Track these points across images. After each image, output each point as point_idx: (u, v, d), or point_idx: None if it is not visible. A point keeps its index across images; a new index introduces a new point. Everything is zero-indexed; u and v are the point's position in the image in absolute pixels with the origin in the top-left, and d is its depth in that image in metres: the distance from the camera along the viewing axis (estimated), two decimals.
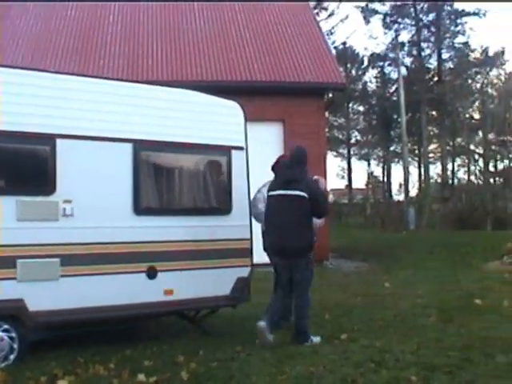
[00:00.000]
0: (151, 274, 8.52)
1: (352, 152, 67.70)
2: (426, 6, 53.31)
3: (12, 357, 7.58)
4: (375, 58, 58.79)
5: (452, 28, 53.94)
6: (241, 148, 9.52)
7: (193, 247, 8.85)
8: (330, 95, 25.26)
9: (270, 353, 8.00)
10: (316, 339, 8.63)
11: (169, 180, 9.12)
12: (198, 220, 9.00)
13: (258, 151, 17.71)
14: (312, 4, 38.68)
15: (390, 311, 10.99)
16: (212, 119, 9.24)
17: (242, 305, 9.72)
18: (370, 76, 65.28)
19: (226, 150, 9.35)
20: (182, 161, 9.11)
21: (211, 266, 8.99)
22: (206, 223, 9.03)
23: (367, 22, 55.66)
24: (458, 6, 53.05)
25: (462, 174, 61.58)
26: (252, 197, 9.61)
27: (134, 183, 8.50)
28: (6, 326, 7.57)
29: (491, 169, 57.34)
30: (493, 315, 10.24)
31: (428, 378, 6.70)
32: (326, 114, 50.66)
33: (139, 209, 8.52)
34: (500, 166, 61.06)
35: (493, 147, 57.17)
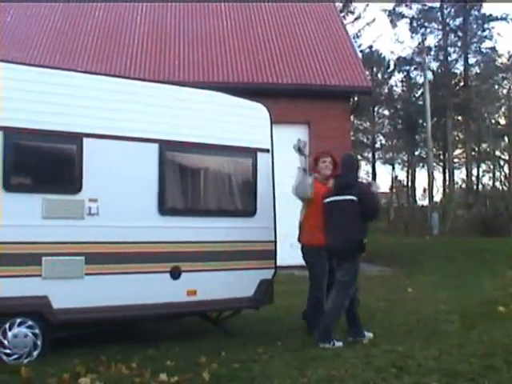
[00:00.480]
0: (175, 274, 8.55)
1: (377, 156, 67.49)
2: (453, 10, 53.07)
3: (35, 353, 7.67)
4: (401, 62, 58.56)
5: (479, 33, 53.66)
6: (266, 150, 9.56)
7: (217, 248, 8.88)
8: (356, 99, 25.22)
9: (293, 355, 8.01)
10: (338, 343, 8.62)
11: (194, 181, 9.16)
12: (222, 221, 9.03)
13: (283, 153, 17.77)
14: (339, 7, 38.64)
15: (412, 316, 10.95)
16: (238, 121, 9.27)
17: (265, 307, 9.73)
18: (396, 80, 65.19)
19: (251, 152, 9.39)
20: (208, 162, 9.14)
21: (235, 268, 9.02)
22: (230, 224, 9.06)
23: (394, 25, 55.53)
24: (485, 10, 52.91)
25: (486, 179, 61.20)
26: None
27: (160, 183, 8.54)
28: (30, 323, 7.65)
29: None
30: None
31: None
32: (352, 117, 50.75)
33: (164, 209, 8.56)
34: None
35: None
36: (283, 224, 17.59)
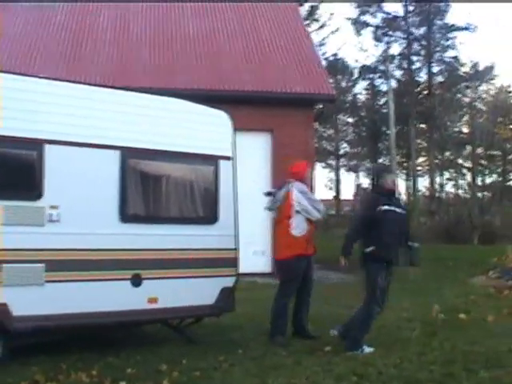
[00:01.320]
0: (136, 281, 8.53)
1: (341, 163, 67.86)
2: (417, 19, 53.59)
3: None
4: (365, 70, 58.91)
5: (442, 42, 54.24)
6: (228, 158, 9.55)
7: (178, 256, 8.86)
8: (320, 106, 25.29)
9: (253, 363, 8.04)
10: (369, 349, 8.77)
11: (156, 188, 9.14)
12: (184, 229, 9.01)
13: (245, 161, 17.78)
14: (303, 15, 38.77)
15: (374, 323, 10.99)
16: (200, 128, 9.26)
17: (226, 314, 9.74)
18: (360, 88, 65.39)
19: (213, 160, 9.39)
20: (169, 169, 9.14)
21: (196, 275, 9.01)
22: (192, 232, 9.05)
23: (358, 34, 55.90)
24: (448, 20, 53.41)
25: (449, 187, 61.79)
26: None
27: (121, 190, 8.52)
28: None
29: (479, 183, 57.64)
30: (477, 330, 10.28)
31: None
32: (315, 124, 50.88)
33: (125, 216, 8.54)
34: (488, 181, 61.44)
35: (481, 161, 57.48)
36: (246, 231, 17.60)
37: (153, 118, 8.89)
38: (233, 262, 9.44)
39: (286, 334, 9.57)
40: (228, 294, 9.36)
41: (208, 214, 9.37)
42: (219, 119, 9.60)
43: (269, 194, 10.14)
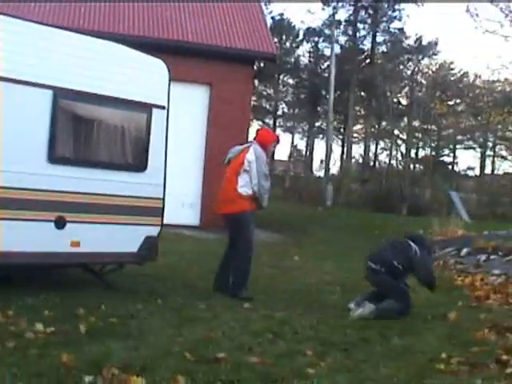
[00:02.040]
0: (60, 223, 8.41)
1: (278, 123, 67.91)
2: None
3: None
4: (311, 33, 58.90)
5: (389, 13, 54.46)
6: (162, 107, 9.42)
7: (104, 201, 8.74)
8: (261, 64, 25.19)
9: (172, 314, 8.02)
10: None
11: (86, 131, 8.93)
12: (112, 174, 8.86)
13: (182, 112, 17.69)
14: None
15: (295, 285, 11.12)
16: (135, 75, 9.08)
17: (149, 264, 9.70)
18: (304, 50, 65.36)
19: (146, 107, 9.22)
20: (102, 113, 8.95)
21: (121, 222, 8.92)
22: (119, 178, 8.91)
23: None
24: None
25: (384, 157, 62.45)
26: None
27: (51, 131, 8.31)
28: None
29: (412, 155, 58.34)
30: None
31: (323, 353, 6.78)
32: (256, 82, 50.73)
33: (54, 157, 8.35)
34: (421, 154, 62.26)
35: (416, 134, 58.12)
36: (177, 183, 17.62)
37: (88, 61, 8.63)
38: (158, 212, 9.36)
39: (247, 290, 9.71)
40: (151, 244, 9.29)
41: (137, 162, 9.23)
42: (156, 68, 9.43)
43: None
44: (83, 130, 8.92)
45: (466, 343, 7.60)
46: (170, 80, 9.55)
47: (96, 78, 8.69)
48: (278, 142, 10.56)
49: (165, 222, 9.58)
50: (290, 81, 65.68)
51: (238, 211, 9.65)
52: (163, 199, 9.41)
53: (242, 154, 9.75)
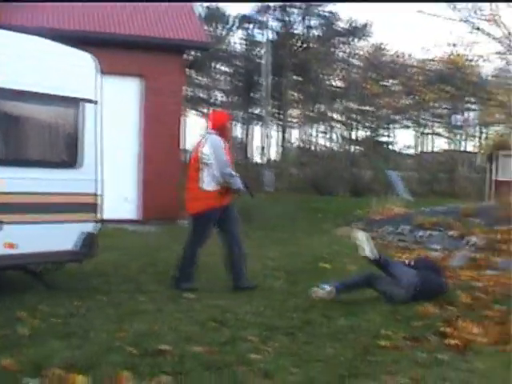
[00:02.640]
0: None
1: None
2: None
3: None
4: (243, 20, 58.82)
5: None
6: (92, 101, 9.27)
7: (37, 200, 8.55)
8: (195, 53, 25.06)
9: (114, 310, 7.95)
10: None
11: (14, 130, 8.72)
12: (43, 172, 8.66)
13: (114, 106, 17.49)
14: None
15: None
16: (62, 69, 8.84)
17: (90, 261, 9.61)
18: (237, 37, 65.28)
19: (75, 102, 9.02)
20: (28, 110, 8.75)
21: (56, 220, 8.75)
22: (51, 176, 8.70)
23: None
24: None
25: (322, 140, 62.83)
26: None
27: None
28: None
29: (350, 137, 58.83)
30: (338, 278, 10.50)
31: (268, 338, 6.82)
32: (190, 72, 50.50)
33: None
34: (359, 135, 62.83)
35: (353, 116, 58.62)
36: (113, 178, 17.41)
37: (12, 57, 8.43)
38: (94, 208, 9.22)
39: (193, 282, 9.58)
40: (90, 240, 9.14)
41: (69, 158, 9.03)
42: (83, 61, 9.25)
43: None
44: (10, 128, 8.69)
45: (408, 318, 7.78)
46: (99, 73, 9.40)
47: (21, 74, 8.45)
48: (227, 117, 10.30)
49: (106, 217, 9.46)
50: (225, 69, 65.56)
51: (204, 210, 9.52)
52: (100, 195, 9.26)
53: (197, 149, 9.63)
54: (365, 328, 7.31)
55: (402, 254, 13.48)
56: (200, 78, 63.79)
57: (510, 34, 28.40)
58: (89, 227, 9.12)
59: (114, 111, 17.81)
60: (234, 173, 9.54)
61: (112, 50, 17.61)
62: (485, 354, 6.40)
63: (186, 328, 7.15)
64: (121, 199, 18.33)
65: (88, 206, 9.11)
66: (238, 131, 69.36)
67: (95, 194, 9.18)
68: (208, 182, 9.44)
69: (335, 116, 59.16)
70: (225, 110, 10.64)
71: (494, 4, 20.34)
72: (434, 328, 7.29)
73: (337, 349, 6.43)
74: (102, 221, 9.38)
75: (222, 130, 9.70)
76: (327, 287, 8.83)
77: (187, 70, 30.57)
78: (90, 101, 9.18)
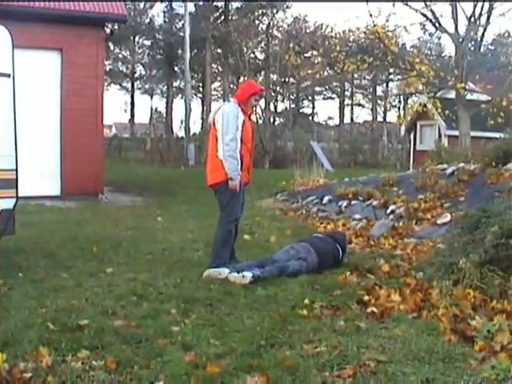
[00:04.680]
0: None
1: (136, 86, 67.25)
2: None
3: None
4: None
5: None
6: (6, 75, 9.08)
7: None
8: (114, 27, 24.72)
9: (33, 286, 7.85)
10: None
11: None
12: None
13: (32, 79, 17.21)
14: None
15: (159, 245, 11.07)
16: None
17: (8, 238, 9.43)
18: (158, 10, 64.76)
19: None
20: None
21: None
22: None
23: None
24: None
25: None
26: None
27: None
28: None
29: (272, 109, 59.00)
30: (258, 250, 10.58)
31: (188, 310, 6.84)
32: (110, 45, 49.92)
33: None
34: (281, 107, 63.07)
35: (275, 88, 58.74)
36: (35, 152, 17.21)
37: None
38: (11, 183, 9.03)
39: (229, 263, 8.89)
40: (7, 217, 8.97)
41: None
42: None
43: None
44: None
45: (328, 287, 7.87)
46: (13, 46, 9.18)
47: None
48: (261, 94, 9.54)
49: (25, 193, 9.31)
50: (146, 42, 65.01)
51: (224, 180, 8.85)
52: (16, 170, 9.07)
53: (215, 114, 9.05)
54: (283, 298, 7.36)
55: (321, 225, 13.66)
56: (121, 51, 63.19)
57: (427, 5, 28.85)
58: (7, 203, 8.93)
59: (34, 85, 17.68)
60: (235, 152, 8.78)
61: (31, 24, 17.31)
62: (403, 320, 6.51)
63: (105, 303, 7.13)
64: (40, 175, 18.10)
65: (6, 182, 8.92)
66: (160, 105, 69.17)
67: (12, 170, 8.99)
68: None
69: None
70: (257, 82, 9.72)
71: None
72: (353, 297, 7.36)
73: (255, 319, 6.47)
74: (20, 197, 9.19)
75: (243, 100, 8.99)
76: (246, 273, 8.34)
77: (107, 43, 30.20)
78: (2, 74, 8.99)
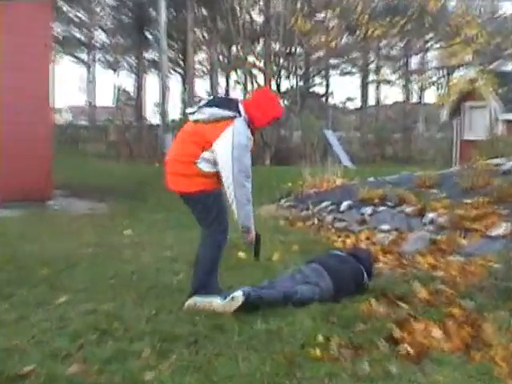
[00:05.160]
0: None
1: (96, 58, 67.32)
2: None
3: None
4: None
5: None
6: None
7: None
8: None
9: None
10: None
11: None
12: None
13: None
14: None
15: (127, 266, 11.06)
16: None
17: None
18: None
19: None
20: None
21: None
22: None
23: None
24: None
25: (238, 92, 62.84)
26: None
27: None
28: None
29: (274, 88, 58.92)
30: (256, 271, 10.46)
31: (165, 350, 6.82)
32: (61, 5, 49.88)
33: None
34: (285, 85, 62.98)
35: (277, 60, 58.73)
36: None
37: None
38: None
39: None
40: None
41: None
42: None
43: None
44: None
45: (348, 320, 7.82)
46: None
47: None
48: (279, 118, 9.26)
49: None
50: (109, 1, 65.08)
51: (206, 190, 8.77)
52: None
53: (216, 131, 8.54)
54: (290, 334, 7.32)
55: (339, 238, 13.62)
56: (76, 12, 63.17)
57: None
58: None
59: None
60: (249, 192, 8.67)
61: None
62: (446, 363, 6.49)
63: (57, 341, 7.11)
64: None
65: None
66: (127, 83, 69.21)
67: None
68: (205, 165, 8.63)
69: (254, 61, 59.17)
70: (275, 93, 9.39)
71: None
72: (381, 332, 7.31)
73: (254, 362, 6.46)
74: None
75: (261, 125, 8.86)
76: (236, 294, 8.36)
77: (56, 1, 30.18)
78: None
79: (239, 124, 8.45)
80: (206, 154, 8.54)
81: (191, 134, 8.76)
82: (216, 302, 8.33)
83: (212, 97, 9.19)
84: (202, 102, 8.84)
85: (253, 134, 8.66)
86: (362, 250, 10.87)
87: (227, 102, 8.75)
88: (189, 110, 8.94)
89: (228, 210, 8.93)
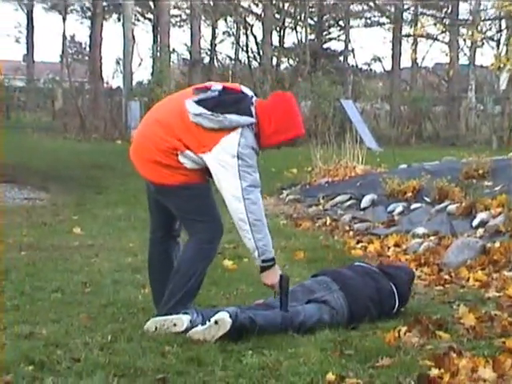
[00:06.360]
0: None
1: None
2: None
3: None
4: None
5: None
6: None
7: None
8: None
9: None
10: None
11: None
12: None
13: None
14: None
15: (76, 276, 11.09)
16: None
17: None
18: None
19: None
20: None
21: None
22: None
23: None
24: None
25: (227, 46, 62.91)
26: None
27: None
28: None
29: (276, 43, 58.99)
30: (247, 286, 10.49)
31: None
32: None
33: None
34: (291, 39, 63.06)
35: (281, 7, 58.83)
36: None
37: None
38: None
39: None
40: None
41: None
42: None
43: None
44: None
45: (368, 353, 7.81)
46: None
47: None
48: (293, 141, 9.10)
49: None
50: None
51: (190, 181, 8.70)
52: None
53: (217, 136, 8.53)
54: (292, 370, 7.27)
55: (358, 244, 13.62)
56: None
57: None
58: None
59: None
60: (262, 212, 8.70)
61: None
62: None
63: None
64: None
65: None
66: (79, 32, 69.20)
67: None
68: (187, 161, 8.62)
69: (251, 7, 59.29)
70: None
71: None
72: (412, 369, 7.26)
73: None
74: None
75: (274, 143, 8.80)
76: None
77: None
78: None
79: (247, 133, 8.42)
80: (194, 156, 8.55)
81: (183, 129, 8.57)
82: (182, 322, 8.35)
83: (220, 88, 8.74)
84: (204, 95, 8.64)
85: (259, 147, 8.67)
86: (399, 266, 10.71)
87: (237, 101, 8.61)
88: (192, 110, 8.55)
89: (221, 217, 8.90)
